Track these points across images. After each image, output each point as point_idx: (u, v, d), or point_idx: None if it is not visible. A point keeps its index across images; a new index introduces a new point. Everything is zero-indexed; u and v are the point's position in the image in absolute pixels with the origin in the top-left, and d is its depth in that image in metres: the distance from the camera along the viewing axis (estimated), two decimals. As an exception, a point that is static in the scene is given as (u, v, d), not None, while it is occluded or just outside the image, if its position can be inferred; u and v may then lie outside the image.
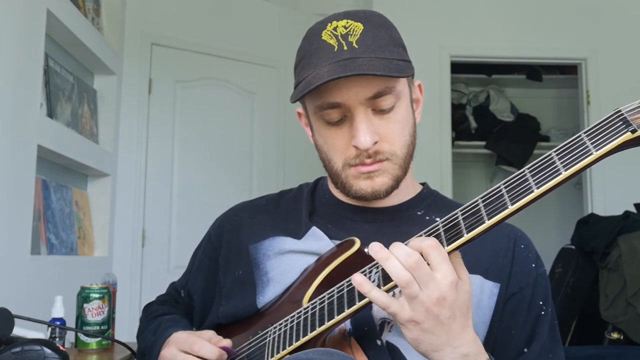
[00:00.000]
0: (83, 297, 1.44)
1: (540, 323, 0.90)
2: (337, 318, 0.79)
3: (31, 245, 1.92)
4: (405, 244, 0.73)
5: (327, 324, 0.80)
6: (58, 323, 1.41)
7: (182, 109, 3.11)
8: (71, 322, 1.48)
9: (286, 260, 0.96)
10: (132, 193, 2.89)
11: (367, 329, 0.86)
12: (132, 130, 2.91)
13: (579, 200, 3.81)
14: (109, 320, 1.47)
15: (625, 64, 3.52)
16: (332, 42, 0.87)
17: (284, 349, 0.84)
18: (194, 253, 1.13)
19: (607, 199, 3.40)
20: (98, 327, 1.44)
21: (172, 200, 3.03)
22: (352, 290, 0.79)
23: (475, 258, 0.88)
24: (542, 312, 0.91)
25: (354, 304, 0.78)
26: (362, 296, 0.76)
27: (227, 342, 0.89)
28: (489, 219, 0.70)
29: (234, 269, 1.01)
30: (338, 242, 0.92)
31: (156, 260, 2.94)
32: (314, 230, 0.96)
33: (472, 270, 0.81)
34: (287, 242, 0.97)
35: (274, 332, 0.88)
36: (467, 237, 0.71)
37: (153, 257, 2.94)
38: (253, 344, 0.91)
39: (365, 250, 0.85)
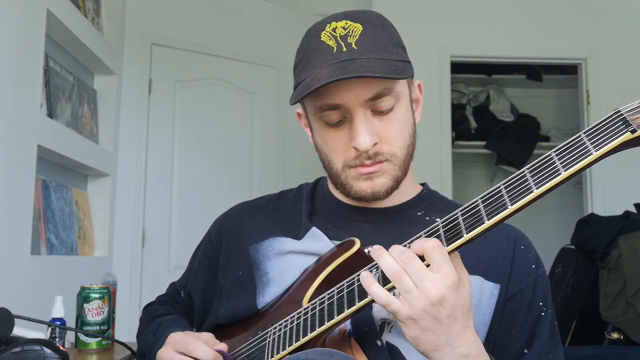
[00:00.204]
0: (83, 297, 1.44)
1: (541, 324, 0.90)
2: (337, 318, 0.79)
3: (31, 245, 1.92)
4: (408, 245, 0.73)
5: (327, 324, 0.80)
6: (58, 323, 1.41)
7: (182, 109, 3.11)
8: (71, 322, 1.48)
9: (286, 260, 0.96)
10: (132, 193, 2.89)
11: (367, 330, 0.86)
12: (132, 130, 2.92)
13: (579, 200, 3.81)
14: (109, 320, 1.47)
15: (625, 64, 3.52)
16: (331, 43, 0.87)
17: (284, 349, 0.84)
18: (194, 253, 1.13)
19: (607, 199, 3.40)
20: (98, 327, 1.44)
21: (172, 200, 3.03)
22: (352, 290, 0.79)
23: (476, 259, 0.88)
24: (542, 313, 0.91)
25: (354, 304, 0.77)
26: (362, 296, 0.77)
27: (223, 346, 0.89)
28: (488, 219, 0.70)
29: (234, 269, 1.01)
30: (338, 242, 0.92)
31: (156, 260, 2.94)
32: (314, 231, 0.96)
33: (472, 271, 0.81)
34: (287, 243, 0.97)
35: (274, 333, 0.88)
36: (466, 237, 0.71)
37: (153, 257, 2.94)
38: (253, 344, 0.91)
39: (365, 250, 0.85)
